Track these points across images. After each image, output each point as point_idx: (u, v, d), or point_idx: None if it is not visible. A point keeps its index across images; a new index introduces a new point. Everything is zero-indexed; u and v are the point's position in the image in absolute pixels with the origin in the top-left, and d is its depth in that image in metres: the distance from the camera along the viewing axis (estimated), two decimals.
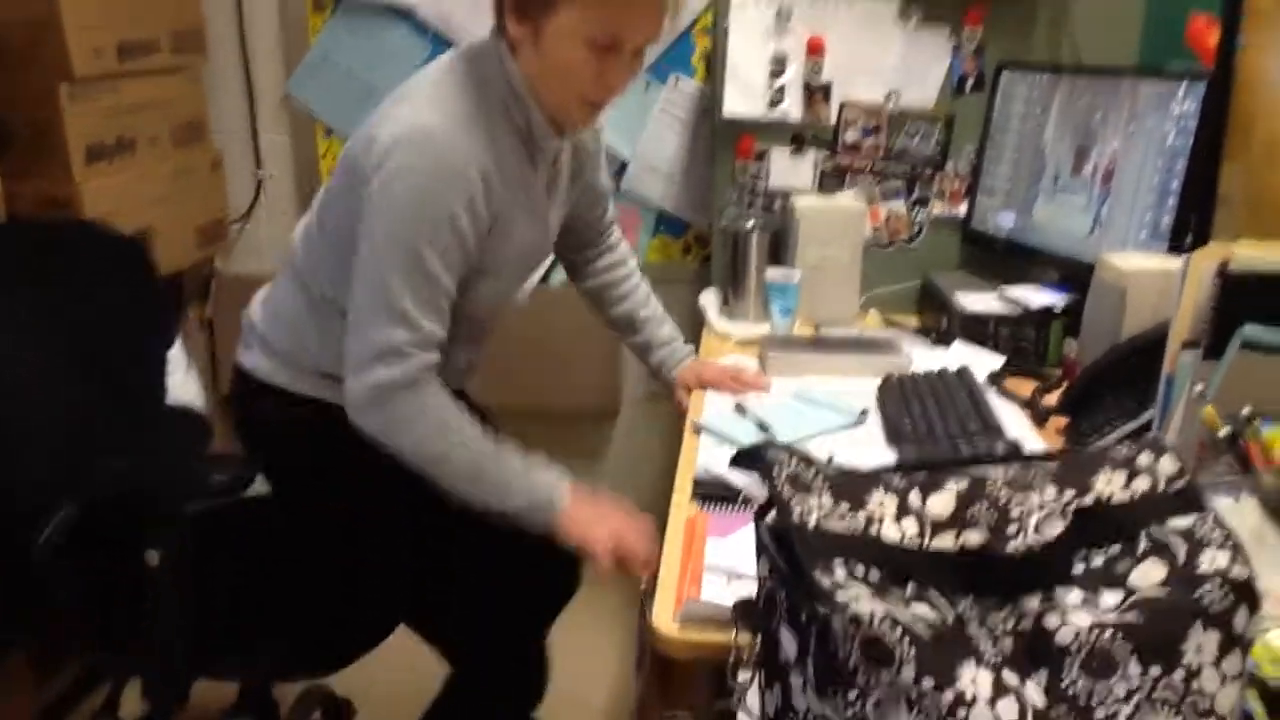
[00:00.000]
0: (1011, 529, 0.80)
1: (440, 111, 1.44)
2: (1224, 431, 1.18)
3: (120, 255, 2.00)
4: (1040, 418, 1.66)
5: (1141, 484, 0.81)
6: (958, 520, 0.80)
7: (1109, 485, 0.81)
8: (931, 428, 1.54)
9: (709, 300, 2.26)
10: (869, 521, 0.80)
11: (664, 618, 1.10)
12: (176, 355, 2.08)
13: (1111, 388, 1.58)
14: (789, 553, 0.76)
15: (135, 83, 2.31)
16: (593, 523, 1.46)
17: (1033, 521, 0.80)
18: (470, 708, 1.83)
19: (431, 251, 1.42)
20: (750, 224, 2.17)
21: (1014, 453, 1.42)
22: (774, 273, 2.06)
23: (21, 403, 1.68)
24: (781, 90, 2.17)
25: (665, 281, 2.77)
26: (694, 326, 2.78)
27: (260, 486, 1.65)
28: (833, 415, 1.64)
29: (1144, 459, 0.82)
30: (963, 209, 2.22)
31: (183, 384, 2.08)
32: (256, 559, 1.78)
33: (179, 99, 2.50)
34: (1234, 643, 0.71)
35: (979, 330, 1.94)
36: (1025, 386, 1.77)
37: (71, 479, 1.63)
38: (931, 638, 0.70)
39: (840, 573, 0.74)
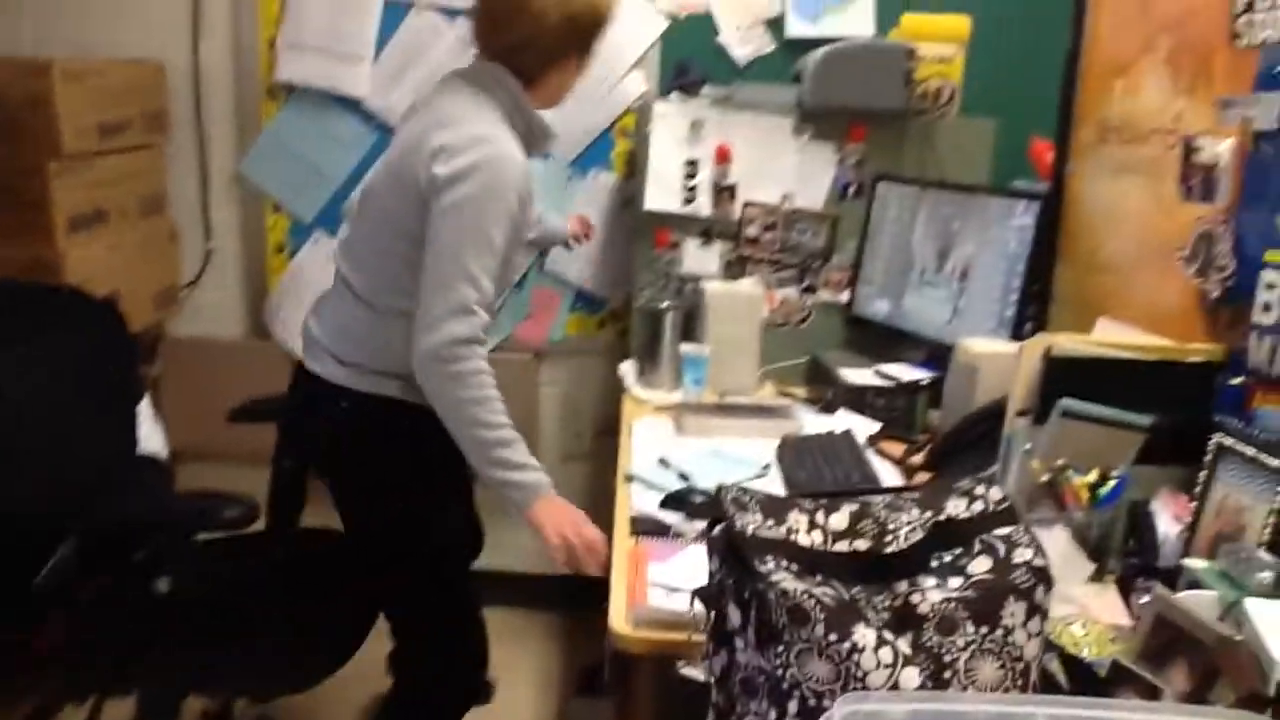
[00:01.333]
0: (888, 538, 1.12)
1: (486, 123, 1.89)
2: (1045, 478, 1.54)
3: (99, 317, 2.23)
4: (909, 473, 2.01)
5: (978, 506, 1.14)
6: (851, 532, 1.13)
7: (955, 508, 1.15)
8: (822, 477, 1.87)
9: (628, 370, 2.58)
10: (789, 531, 1.11)
11: (620, 622, 1.40)
12: (144, 409, 2.31)
13: (966, 448, 1.94)
14: (734, 551, 1.07)
15: (110, 159, 2.55)
16: (559, 518, 1.85)
17: (903, 533, 1.13)
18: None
19: (497, 230, 1.83)
20: (665, 304, 2.50)
21: (890, 489, 1.75)
22: (688, 348, 2.39)
23: (11, 445, 1.88)
24: (694, 189, 2.52)
25: (581, 352, 3.11)
26: (608, 392, 3.09)
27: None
28: (741, 468, 1.97)
29: (979, 490, 1.16)
30: (845, 296, 2.60)
31: (149, 435, 2.30)
32: (255, 586, 2.00)
33: (145, 174, 2.74)
34: (1035, 610, 1.04)
35: (859, 400, 2.29)
36: (897, 448, 2.12)
37: (66, 517, 1.84)
38: (835, 607, 1.01)
39: (771, 564, 1.05)
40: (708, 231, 2.57)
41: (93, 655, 1.82)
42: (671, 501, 1.76)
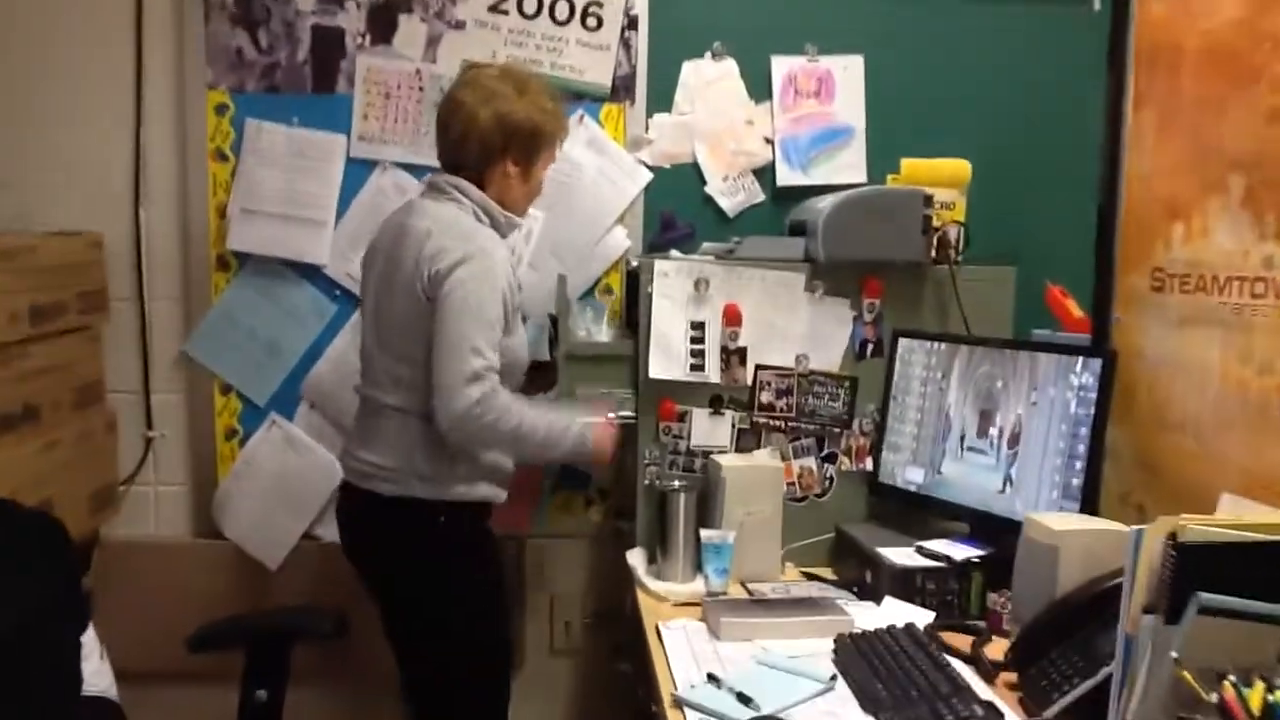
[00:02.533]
0: None
1: (469, 224, 2.15)
2: (1213, 697, 1.30)
3: (37, 534, 1.90)
4: (988, 674, 1.75)
5: None
6: None
7: None
8: (905, 691, 1.61)
9: (637, 559, 2.30)
10: None
11: None
12: (90, 640, 1.96)
13: (1054, 643, 1.70)
14: None
15: (43, 346, 2.25)
16: (605, 442, 2.24)
17: None
18: None
19: (492, 306, 2.07)
20: (676, 484, 2.25)
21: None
22: (709, 534, 2.13)
23: None
24: (701, 355, 2.30)
25: (568, 536, 2.82)
26: (596, 578, 2.82)
27: None
28: (804, 682, 1.69)
29: None
30: (868, 464, 2.37)
31: (98, 671, 1.95)
32: None
33: (80, 360, 2.45)
34: None
35: (906, 585, 2.04)
36: (961, 640, 1.87)
37: None
38: None
39: None
40: (717, 400, 2.34)
41: None
42: None
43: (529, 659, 2.85)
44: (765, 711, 1.56)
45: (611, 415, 2.30)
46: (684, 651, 1.84)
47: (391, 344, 2.17)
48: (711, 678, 1.70)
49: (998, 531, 2.08)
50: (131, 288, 2.67)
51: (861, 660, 1.75)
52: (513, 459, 2.22)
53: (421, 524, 2.16)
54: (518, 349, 2.22)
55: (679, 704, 1.63)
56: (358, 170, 2.67)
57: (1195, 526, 1.44)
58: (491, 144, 2.17)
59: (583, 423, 2.21)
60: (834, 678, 1.71)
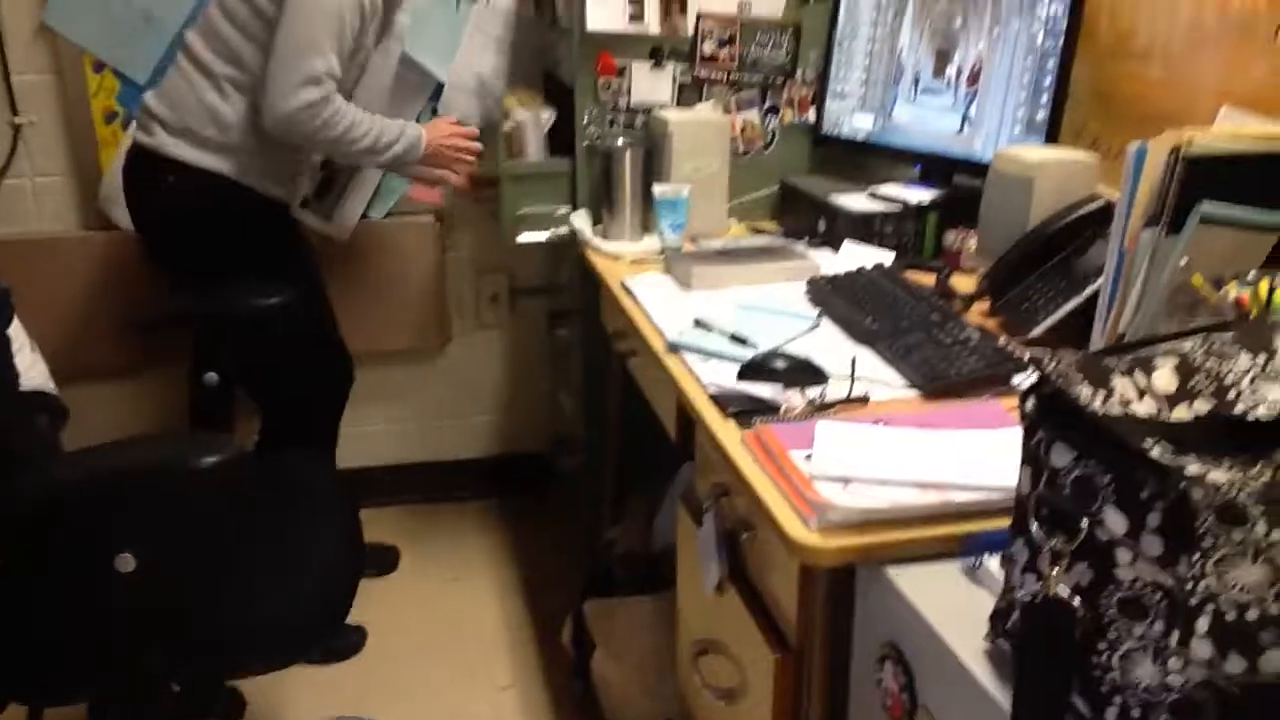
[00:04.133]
0: (1231, 394, 0.88)
1: None
2: (1221, 294, 1.34)
3: None
4: (962, 305, 1.78)
5: None
6: (1184, 393, 0.88)
7: None
8: (895, 323, 1.63)
9: (581, 221, 2.23)
10: (1124, 403, 0.86)
11: (802, 532, 1.12)
12: (16, 333, 1.81)
13: (1029, 271, 1.73)
14: (1105, 438, 0.81)
15: None
16: (441, 141, 2.20)
17: (1245, 385, 0.89)
18: None
19: (346, 16, 2.02)
20: (621, 142, 2.16)
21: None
22: (663, 188, 2.07)
23: None
24: (640, 3, 2.15)
25: (488, 206, 2.71)
26: (523, 248, 2.74)
27: None
28: (791, 321, 1.69)
29: None
30: (811, 115, 2.31)
31: (31, 365, 1.82)
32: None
33: None
34: None
35: (864, 229, 2.04)
36: (925, 277, 1.89)
37: None
38: (1264, 493, 0.77)
39: (1157, 449, 0.80)
40: (657, 52, 2.21)
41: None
42: (751, 371, 1.47)
43: (455, 335, 2.81)
44: (761, 348, 1.56)
45: (453, 118, 2.23)
46: (659, 303, 1.82)
47: (242, 23, 2.07)
48: (699, 323, 1.68)
49: (951, 172, 2.08)
50: None
51: (840, 299, 1.76)
52: (339, 161, 2.17)
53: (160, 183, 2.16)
54: (380, 72, 2.23)
55: (674, 349, 1.61)
56: None
57: (1201, 140, 1.45)
58: None
59: (416, 127, 2.16)
60: (819, 315, 1.72)
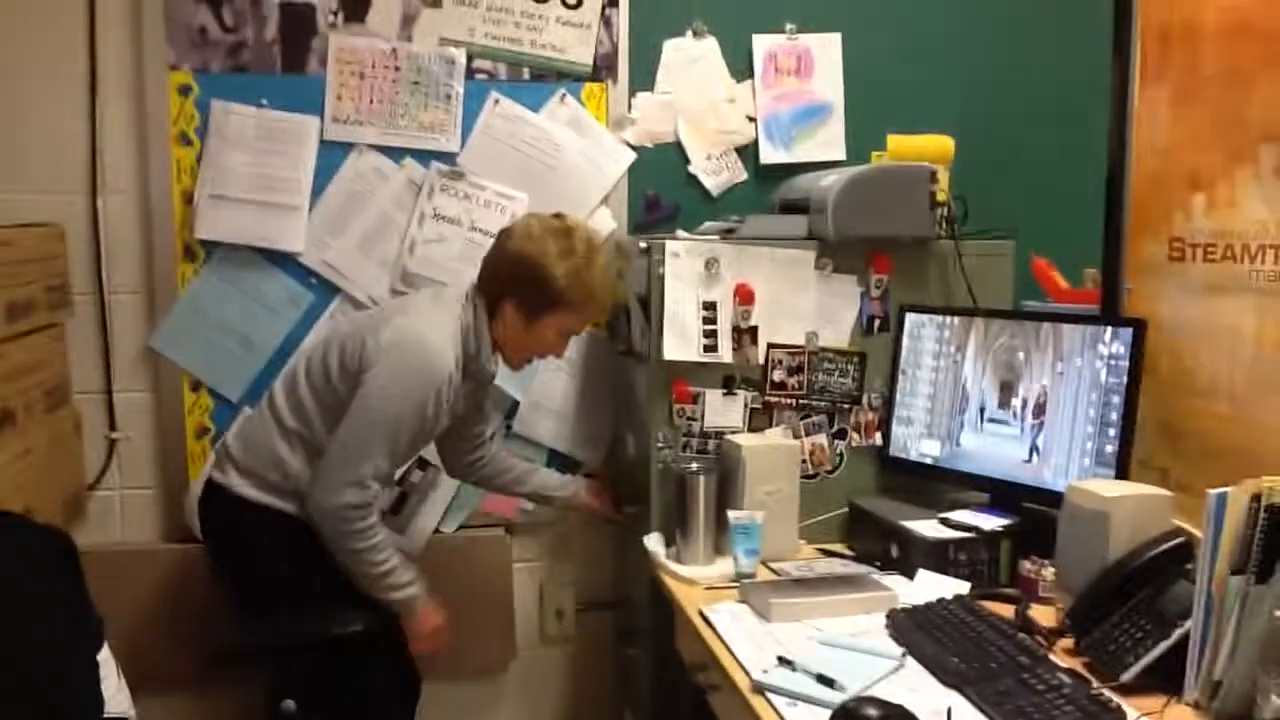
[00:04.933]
0: None
1: (435, 325, 2.13)
2: None
3: (49, 550, 1.76)
4: (1045, 641, 1.77)
5: None
6: None
7: None
8: (984, 664, 1.61)
9: (655, 545, 2.26)
10: None
11: None
12: (106, 659, 1.83)
13: (1113, 608, 1.72)
14: None
15: (16, 345, 2.09)
16: (429, 628, 2.25)
17: None
18: None
19: (407, 424, 2.09)
20: (695, 466, 2.22)
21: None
22: (738, 515, 2.11)
23: None
24: (714, 334, 2.27)
25: (558, 521, 2.77)
26: (588, 565, 2.78)
27: None
28: (875, 660, 1.68)
29: None
30: (877, 439, 2.38)
31: (118, 689, 1.83)
32: None
33: (48, 360, 2.29)
34: None
35: (939, 557, 2.06)
36: (1003, 609, 1.88)
37: None
38: None
39: None
40: (730, 380, 2.31)
41: None
42: (843, 718, 1.46)
43: (521, 649, 2.79)
44: (850, 692, 1.55)
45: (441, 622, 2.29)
46: (740, 638, 1.82)
47: (316, 388, 2.17)
48: (783, 660, 1.68)
49: (1019, 500, 2.11)
50: (91, 281, 2.50)
51: (922, 634, 1.76)
52: (344, 568, 2.14)
53: (222, 508, 2.23)
54: (419, 446, 2.27)
55: (760, 689, 1.60)
56: (332, 153, 2.55)
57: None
58: (506, 283, 2.17)
59: (422, 594, 2.22)
60: (904, 654, 1.71)
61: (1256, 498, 1.47)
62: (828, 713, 1.47)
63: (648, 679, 2.42)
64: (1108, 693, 1.52)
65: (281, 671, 2.08)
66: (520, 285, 2.15)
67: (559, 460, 2.73)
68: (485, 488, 2.57)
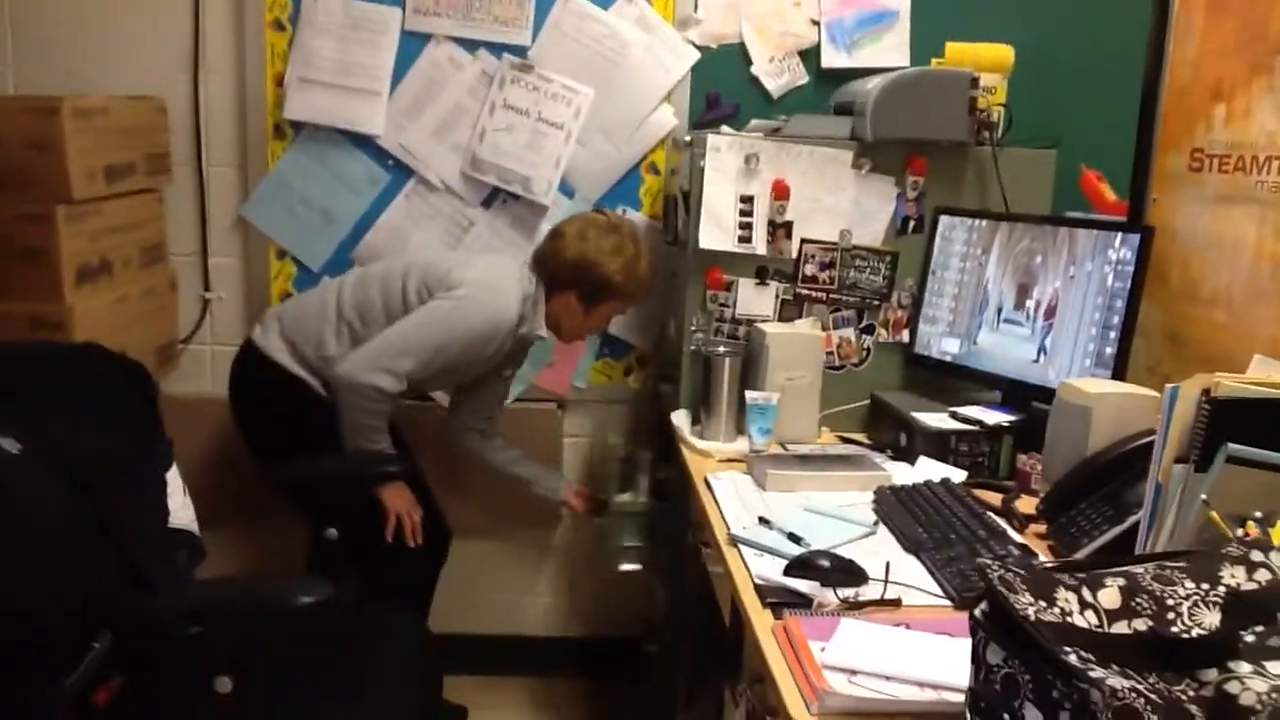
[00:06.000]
0: (1170, 615, 0.98)
1: (509, 283, 2.44)
2: (1240, 533, 1.42)
3: (126, 378, 2.01)
4: (1019, 525, 1.88)
5: (1263, 574, 1.01)
6: (1126, 610, 0.99)
7: (1234, 578, 1.01)
8: (945, 535, 1.73)
9: (681, 420, 2.42)
10: (1063, 613, 0.97)
11: (802, 714, 1.23)
12: (174, 478, 2.09)
13: (1083, 497, 1.82)
14: (1027, 642, 0.92)
15: (115, 205, 2.34)
16: (401, 500, 2.44)
17: (1185, 609, 0.99)
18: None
19: (456, 347, 2.37)
20: (722, 350, 2.35)
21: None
22: (754, 395, 2.25)
23: (39, 529, 1.66)
24: (749, 227, 2.38)
25: (607, 401, 2.95)
26: (635, 442, 2.93)
27: None
28: (849, 526, 1.82)
29: (1256, 555, 1.03)
30: (904, 336, 2.48)
31: (182, 506, 2.08)
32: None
33: (147, 221, 2.53)
34: None
35: (940, 446, 2.16)
36: (991, 497, 1.99)
37: (97, 609, 1.62)
38: (1164, 705, 0.87)
39: (1073, 656, 0.91)
40: (763, 271, 2.43)
41: None
42: (797, 567, 1.60)
43: (564, 517, 3.00)
44: (814, 548, 1.68)
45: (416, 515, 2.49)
46: (733, 499, 1.97)
47: (388, 296, 2.43)
48: (763, 520, 1.83)
49: (1028, 398, 2.19)
50: (190, 153, 2.74)
51: (901, 509, 1.88)
52: (342, 425, 2.37)
53: (252, 366, 2.49)
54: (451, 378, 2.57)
55: (734, 542, 1.76)
56: (412, 43, 2.72)
57: (1228, 383, 1.55)
58: (565, 279, 2.48)
59: (397, 472, 2.46)
60: (876, 523, 1.84)
61: (1206, 391, 1.54)
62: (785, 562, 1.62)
63: (671, 537, 2.60)
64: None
65: (325, 504, 2.33)
66: (579, 283, 2.47)
67: (612, 344, 2.89)
68: (478, 460, 2.75)
